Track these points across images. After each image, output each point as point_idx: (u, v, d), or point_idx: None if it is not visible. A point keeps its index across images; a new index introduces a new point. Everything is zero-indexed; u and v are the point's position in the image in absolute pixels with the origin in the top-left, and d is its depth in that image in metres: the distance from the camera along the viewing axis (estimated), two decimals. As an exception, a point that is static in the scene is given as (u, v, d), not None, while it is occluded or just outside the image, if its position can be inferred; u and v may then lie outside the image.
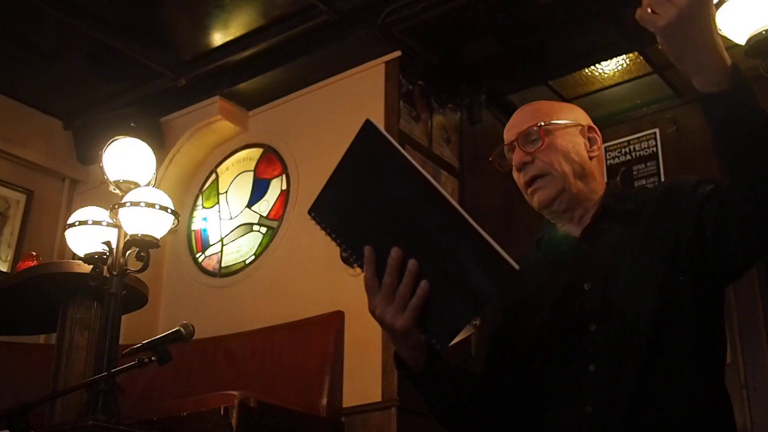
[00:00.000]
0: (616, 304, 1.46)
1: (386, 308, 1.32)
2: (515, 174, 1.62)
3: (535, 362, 1.54)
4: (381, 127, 1.30)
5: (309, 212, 1.38)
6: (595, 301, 1.48)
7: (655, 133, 4.63)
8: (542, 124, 1.59)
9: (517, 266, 1.20)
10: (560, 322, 1.51)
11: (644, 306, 1.43)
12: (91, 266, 3.25)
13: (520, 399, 1.56)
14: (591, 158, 1.61)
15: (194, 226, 4.80)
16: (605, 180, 1.66)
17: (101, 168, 3.47)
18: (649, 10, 1.18)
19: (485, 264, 1.22)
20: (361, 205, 1.34)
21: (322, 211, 1.37)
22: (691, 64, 1.21)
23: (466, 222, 1.23)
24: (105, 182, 3.49)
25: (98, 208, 3.51)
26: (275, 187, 4.54)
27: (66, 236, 3.48)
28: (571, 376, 1.47)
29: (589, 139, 1.63)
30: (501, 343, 1.63)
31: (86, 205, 3.60)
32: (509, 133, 1.63)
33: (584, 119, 1.65)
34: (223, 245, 4.62)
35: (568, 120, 1.62)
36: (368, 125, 1.30)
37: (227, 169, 4.81)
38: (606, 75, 4.60)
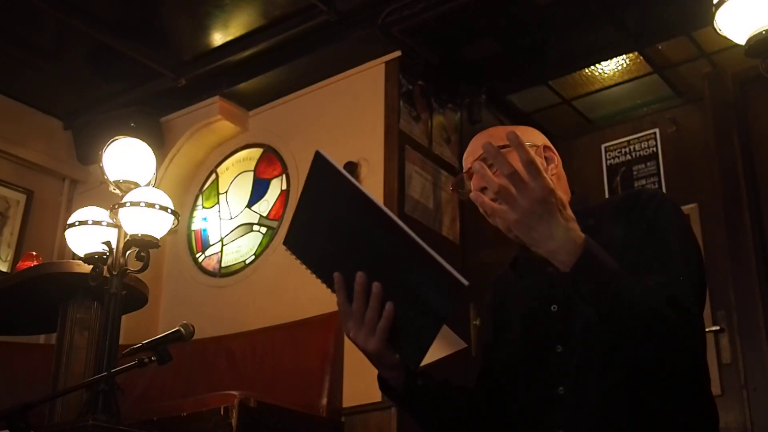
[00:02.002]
0: (582, 324, 1.45)
1: (358, 331, 1.37)
2: None
3: (508, 385, 1.55)
4: (330, 157, 1.33)
5: (284, 244, 1.44)
6: (561, 322, 1.49)
7: (655, 133, 4.64)
8: (498, 147, 1.60)
9: (465, 282, 1.22)
10: (529, 345, 1.52)
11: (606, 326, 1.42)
12: (91, 266, 3.25)
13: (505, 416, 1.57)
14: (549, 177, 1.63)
15: (194, 226, 4.80)
16: (569, 194, 1.66)
17: (101, 168, 3.46)
18: (497, 206, 1.29)
19: (437, 282, 1.25)
20: (325, 234, 1.38)
21: (295, 242, 1.43)
22: (545, 249, 1.30)
23: (414, 242, 1.26)
24: (105, 182, 3.48)
25: (98, 208, 3.50)
26: (275, 187, 4.54)
27: (66, 236, 3.48)
28: (541, 399, 1.47)
29: (546, 158, 1.64)
30: (491, 358, 1.66)
31: (86, 205, 3.60)
32: (466, 161, 1.65)
33: (540, 139, 1.67)
34: (223, 245, 4.62)
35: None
36: (318, 157, 1.34)
37: (227, 169, 4.81)
38: (606, 75, 4.60)
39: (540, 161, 1.61)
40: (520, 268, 1.64)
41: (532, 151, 1.59)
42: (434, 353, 1.33)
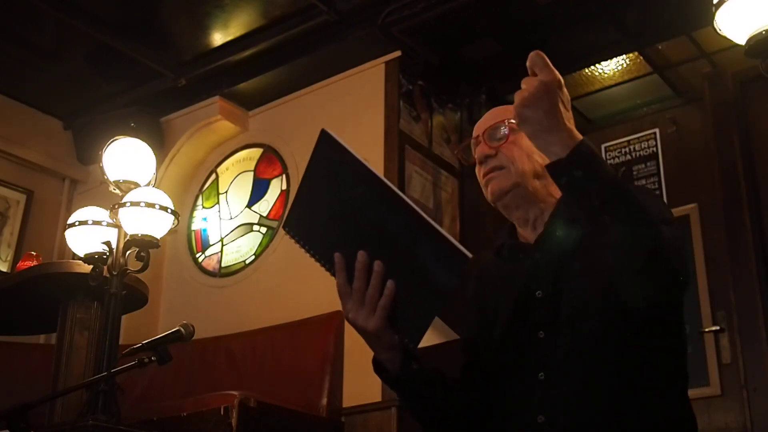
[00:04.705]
0: (565, 310, 1.46)
1: (358, 311, 1.37)
2: (477, 168, 1.63)
3: (493, 372, 1.56)
4: (336, 135, 1.34)
5: (283, 227, 1.44)
6: (544, 308, 1.49)
7: (655, 133, 4.63)
8: (510, 121, 1.60)
9: (470, 254, 1.24)
10: (513, 331, 1.53)
11: (591, 312, 1.43)
12: (91, 266, 3.25)
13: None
14: None
15: (194, 226, 4.80)
16: None
17: (101, 168, 3.47)
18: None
19: (442, 256, 1.27)
20: (327, 214, 1.38)
21: (295, 225, 1.43)
22: (543, 141, 1.33)
23: (420, 217, 1.28)
24: (105, 182, 3.48)
25: (98, 208, 3.50)
26: (275, 187, 4.54)
27: (66, 236, 3.48)
28: (523, 385, 1.48)
29: None
30: (475, 351, 1.65)
31: (86, 205, 3.60)
32: (477, 129, 1.65)
33: None
34: (223, 245, 4.62)
35: None
36: (324, 135, 1.35)
37: (227, 169, 4.81)
38: (606, 75, 4.60)
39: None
40: (506, 254, 1.64)
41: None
42: (429, 338, 1.34)
